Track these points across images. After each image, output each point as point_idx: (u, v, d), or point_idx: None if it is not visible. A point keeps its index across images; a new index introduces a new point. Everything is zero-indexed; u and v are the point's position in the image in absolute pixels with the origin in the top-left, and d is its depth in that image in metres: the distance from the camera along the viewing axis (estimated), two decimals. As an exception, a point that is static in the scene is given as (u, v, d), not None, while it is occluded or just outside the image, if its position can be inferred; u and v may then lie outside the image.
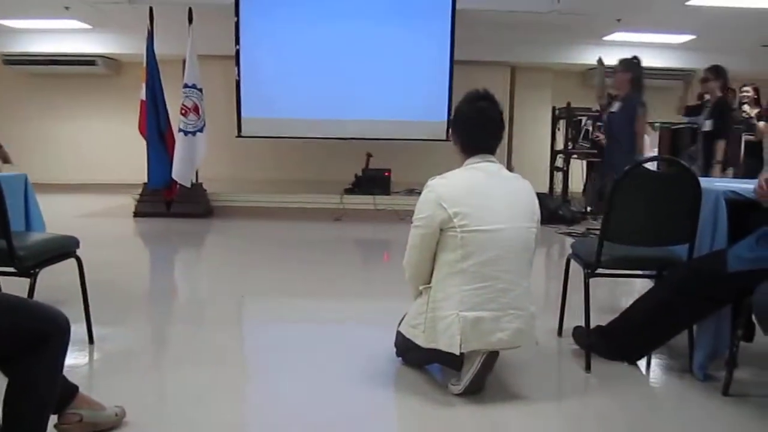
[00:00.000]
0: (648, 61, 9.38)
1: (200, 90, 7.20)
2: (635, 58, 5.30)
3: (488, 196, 2.44)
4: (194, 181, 7.41)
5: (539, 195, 7.48)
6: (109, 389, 2.41)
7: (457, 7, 7.62)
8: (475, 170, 2.50)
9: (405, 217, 7.22)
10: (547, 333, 3.29)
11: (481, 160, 2.51)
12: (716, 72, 5.63)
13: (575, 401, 2.61)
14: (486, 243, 2.38)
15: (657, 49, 9.44)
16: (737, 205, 2.65)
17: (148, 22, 7.16)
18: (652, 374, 2.87)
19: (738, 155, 6.33)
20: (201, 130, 7.06)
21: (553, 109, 8.48)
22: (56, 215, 5.60)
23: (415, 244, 2.50)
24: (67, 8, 7.76)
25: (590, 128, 7.93)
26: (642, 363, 2.89)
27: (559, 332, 3.26)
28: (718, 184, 2.86)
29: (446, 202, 2.37)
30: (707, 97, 6.05)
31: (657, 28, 8.45)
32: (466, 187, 2.43)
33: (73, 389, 1.98)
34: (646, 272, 3.10)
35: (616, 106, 5.44)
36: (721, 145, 5.52)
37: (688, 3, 6.93)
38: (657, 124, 6.76)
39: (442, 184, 2.43)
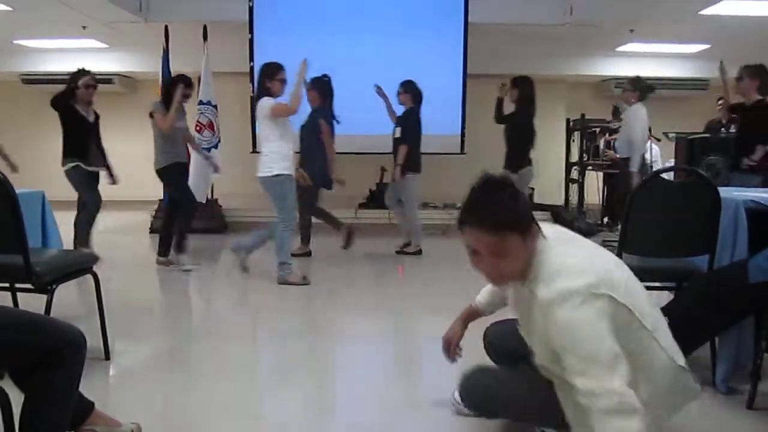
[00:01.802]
0: (662, 71, 9.42)
1: (215, 106, 7.26)
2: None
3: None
4: (209, 197, 7.46)
5: (555, 207, 7.49)
6: (125, 406, 2.41)
7: (470, 20, 7.64)
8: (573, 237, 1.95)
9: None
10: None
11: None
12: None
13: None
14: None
15: (671, 59, 9.40)
16: (758, 214, 2.61)
17: (163, 40, 7.25)
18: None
19: None
20: (216, 147, 7.12)
21: (568, 120, 8.46)
22: (73, 232, 5.64)
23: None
24: (84, 28, 7.88)
25: (600, 144, 7.87)
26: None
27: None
28: (737, 193, 2.82)
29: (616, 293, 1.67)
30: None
31: (670, 39, 8.41)
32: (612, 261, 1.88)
33: (89, 406, 1.98)
34: (666, 284, 3.05)
35: None
36: None
37: (701, 12, 6.90)
38: (672, 134, 6.71)
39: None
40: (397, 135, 5.92)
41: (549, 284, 1.60)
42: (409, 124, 5.87)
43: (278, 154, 4.63)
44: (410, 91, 5.89)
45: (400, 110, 5.97)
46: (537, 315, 1.66)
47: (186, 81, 5.35)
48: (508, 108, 5.92)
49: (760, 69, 5.14)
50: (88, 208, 5.40)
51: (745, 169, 5.00)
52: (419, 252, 5.97)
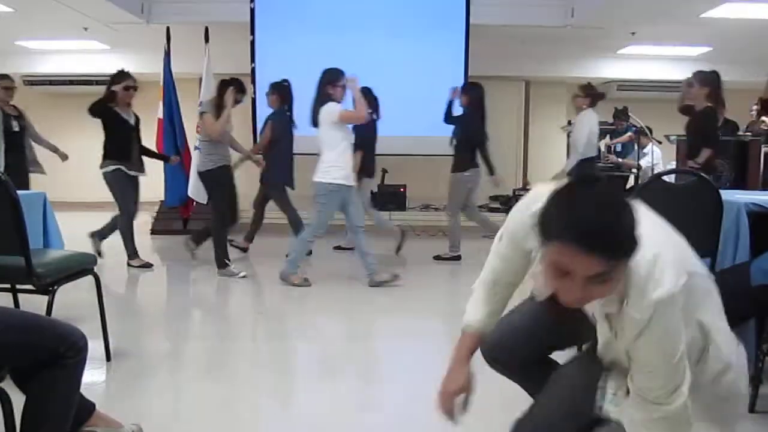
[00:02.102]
0: (664, 73, 9.42)
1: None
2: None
3: None
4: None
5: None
6: (126, 407, 2.41)
7: (471, 21, 7.64)
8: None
9: (420, 233, 7.22)
10: (568, 353, 3.24)
11: None
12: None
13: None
14: None
15: (672, 61, 9.39)
16: (759, 217, 2.61)
17: (165, 41, 7.26)
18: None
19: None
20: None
21: (568, 123, 8.45)
22: (75, 232, 5.64)
23: None
24: (85, 29, 7.89)
25: (601, 147, 7.85)
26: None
27: (579, 350, 3.20)
28: (739, 196, 2.82)
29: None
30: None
31: (672, 41, 8.41)
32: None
33: (90, 407, 1.97)
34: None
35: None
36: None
37: (702, 15, 6.90)
38: (673, 137, 6.70)
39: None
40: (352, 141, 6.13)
41: (642, 298, 1.38)
42: (364, 131, 6.02)
43: (338, 163, 4.64)
44: (366, 95, 5.91)
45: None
46: (627, 330, 1.43)
47: (238, 85, 5.25)
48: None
49: (712, 76, 5.29)
50: (125, 214, 5.31)
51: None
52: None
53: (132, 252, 5.32)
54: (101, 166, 5.29)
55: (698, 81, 5.25)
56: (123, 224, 5.31)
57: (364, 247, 4.75)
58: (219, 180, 5.18)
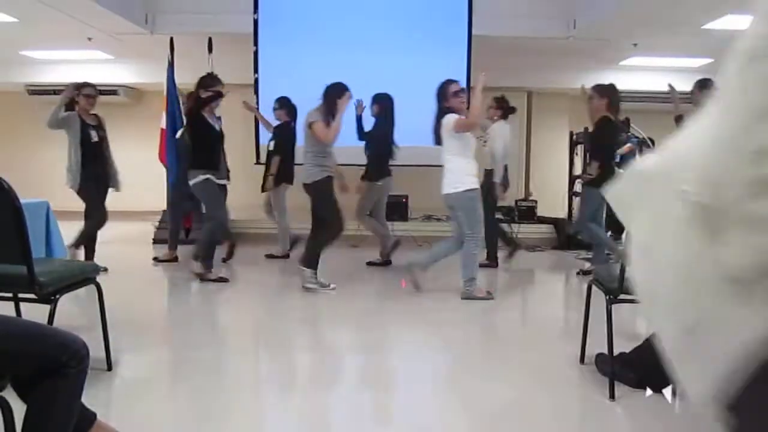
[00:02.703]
0: (665, 85, 9.42)
1: (219, 118, 7.28)
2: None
3: None
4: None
5: (558, 220, 7.51)
6: (127, 417, 2.40)
7: (474, 33, 7.67)
8: None
9: (423, 243, 7.22)
10: (570, 360, 3.24)
11: None
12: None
13: (599, 430, 2.55)
14: None
15: (674, 73, 9.40)
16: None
17: (168, 52, 7.29)
18: (677, 403, 2.80)
19: None
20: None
21: (571, 134, 8.47)
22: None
23: None
24: (89, 39, 7.93)
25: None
26: (667, 391, 2.83)
27: (582, 359, 3.20)
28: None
29: None
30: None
31: (674, 53, 8.44)
32: None
33: (91, 417, 1.97)
34: (670, 298, 3.03)
35: None
36: None
37: (704, 26, 6.92)
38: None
39: None
40: (271, 148, 6.48)
41: None
42: (283, 138, 6.36)
43: (464, 169, 4.63)
44: (285, 106, 6.39)
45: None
46: None
47: (344, 88, 5.02)
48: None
49: (609, 88, 5.51)
50: (216, 222, 5.23)
51: (587, 183, 5.48)
52: (287, 256, 6.45)
53: (208, 266, 5.17)
54: (189, 177, 5.15)
55: (597, 93, 5.46)
56: (209, 232, 5.20)
57: (470, 255, 4.68)
58: (327, 191, 5.01)
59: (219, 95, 5.22)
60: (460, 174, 4.62)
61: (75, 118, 5.35)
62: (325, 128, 4.82)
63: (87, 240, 5.41)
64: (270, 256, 6.49)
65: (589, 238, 5.72)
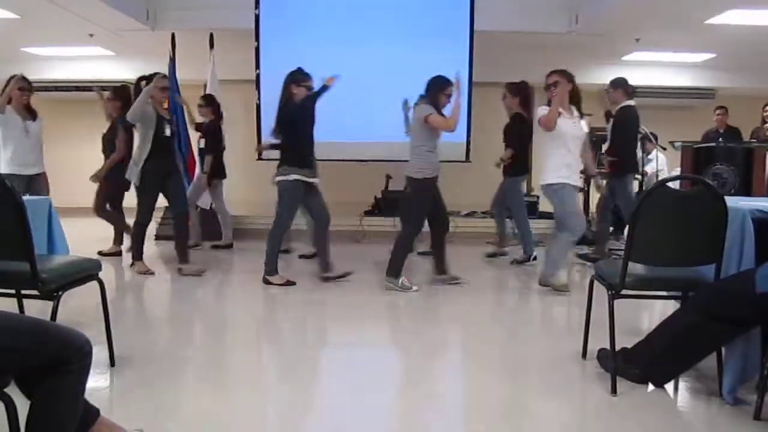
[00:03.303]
0: (668, 80, 9.42)
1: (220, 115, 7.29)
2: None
3: None
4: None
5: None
6: (130, 412, 2.41)
7: (476, 28, 7.65)
8: None
9: (423, 240, 7.22)
10: (572, 356, 3.24)
11: None
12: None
13: (601, 426, 2.55)
14: None
15: (677, 68, 9.40)
16: (765, 224, 2.60)
17: (170, 48, 7.29)
18: (680, 398, 2.81)
19: None
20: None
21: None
22: (79, 238, 5.63)
23: None
24: (91, 36, 7.92)
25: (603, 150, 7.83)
26: (669, 386, 2.83)
27: (584, 355, 3.20)
28: (744, 203, 2.82)
29: None
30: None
31: (676, 47, 8.41)
32: None
33: (94, 412, 1.98)
34: (672, 294, 3.04)
35: None
36: None
37: (707, 22, 6.89)
38: (678, 143, 6.70)
39: None
40: (201, 146, 6.71)
41: None
42: (213, 137, 6.62)
43: (553, 163, 4.64)
44: (211, 104, 6.67)
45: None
46: None
47: (446, 82, 4.90)
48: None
49: (522, 86, 6.16)
50: (320, 220, 5.12)
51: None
52: (231, 246, 6.87)
53: (274, 267, 5.01)
54: (280, 174, 4.95)
55: (510, 91, 6.12)
56: (274, 233, 5.05)
57: (556, 246, 4.76)
58: (427, 192, 4.89)
59: (310, 90, 5.03)
60: (547, 167, 4.74)
61: (152, 110, 5.23)
62: (443, 118, 4.79)
63: (140, 242, 5.40)
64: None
65: (497, 222, 6.43)
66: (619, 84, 6.07)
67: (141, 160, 5.23)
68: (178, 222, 5.49)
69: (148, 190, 5.30)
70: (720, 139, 7.07)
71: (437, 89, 4.85)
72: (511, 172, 6.25)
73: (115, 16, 6.97)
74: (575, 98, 4.66)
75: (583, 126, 4.65)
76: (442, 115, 4.82)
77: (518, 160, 6.27)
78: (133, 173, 5.27)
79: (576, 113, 4.63)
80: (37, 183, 5.46)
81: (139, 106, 5.13)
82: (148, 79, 5.31)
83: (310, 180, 5.02)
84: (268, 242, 5.00)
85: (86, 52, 8.95)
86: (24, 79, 5.40)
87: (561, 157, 4.66)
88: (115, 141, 6.21)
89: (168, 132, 5.33)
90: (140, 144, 5.28)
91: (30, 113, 5.49)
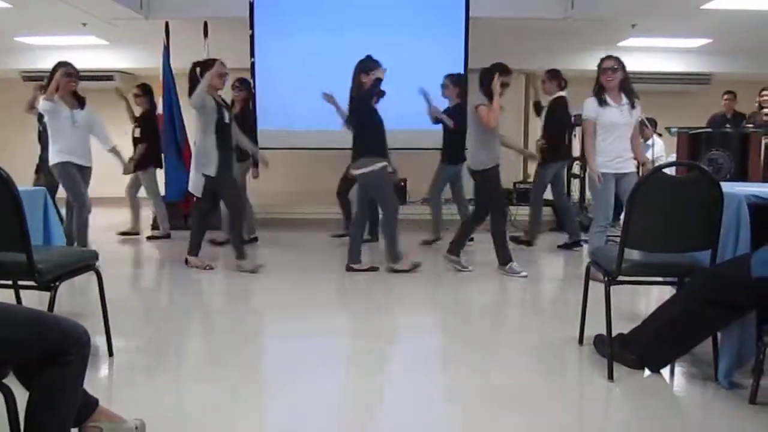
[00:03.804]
0: (665, 65, 9.40)
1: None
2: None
3: None
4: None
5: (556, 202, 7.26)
6: (129, 402, 2.42)
7: (471, 14, 7.62)
8: None
9: (422, 227, 7.22)
10: (568, 341, 3.26)
11: None
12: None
13: (598, 410, 2.57)
14: None
15: (673, 53, 9.37)
16: (760, 209, 2.61)
17: (164, 36, 7.24)
18: (676, 383, 2.83)
19: None
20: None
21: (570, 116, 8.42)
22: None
23: None
24: (84, 25, 7.86)
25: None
26: (665, 371, 2.85)
27: (580, 341, 3.22)
28: (739, 188, 2.82)
29: None
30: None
31: (672, 33, 8.38)
32: None
33: (93, 402, 1.98)
34: (668, 279, 3.05)
35: None
36: None
37: (703, 7, 6.87)
38: (674, 129, 6.71)
39: None
40: (137, 135, 6.76)
41: None
42: (148, 126, 6.74)
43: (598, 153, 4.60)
44: (147, 94, 6.83)
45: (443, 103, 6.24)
46: None
47: (503, 68, 4.87)
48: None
49: (462, 78, 6.30)
50: (392, 210, 5.01)
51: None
52: (168, 236, 6.77)
53: (396, 255, 5.02)
54: (364, 165, 4.92)
55: (452, 83, 6.15)
56: (388, 226, 5.03)
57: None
58: (495, 179, 4.92)
59: (379, 81, 5.00)
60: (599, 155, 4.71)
61: (211, 98, 4.98)
62: (486, 113, 4.77)
63: (239, 238, 5.24)
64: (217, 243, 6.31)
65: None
66: (555, 75, 6.31)
67: (210, 150, 4.97)
68: (233, 212, 5.21)
69: (228, 180, 5.08)
70: (727, 125, 7.05)
71: (488, 80, 4.85)
72: (547, 158, 6.25)
73: (109, 5, 6.91)
74: (625, 85, 4.58)
75: (633, 113, 4.59)
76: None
77: (557, 146, 6.28)
78: (207, 165, 5.00)
79: (625, 100, 4.55)
80: (84, 176, 5.21)
81: (201, 94, 4.88)
82: (203, 65, 5.10)
83: (390, 168, 5.02)
84: (385, 234, 5.05)
85: (80, 41, 8.88)
86: (70, 65, 5.13)
87: (601, 146, 4.60)
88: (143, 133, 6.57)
89: (227, 119, 5.09)
90: (202, 134, 5.01)
91: (78, 101, 5.21)
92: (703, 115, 8.02)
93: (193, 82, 5.05)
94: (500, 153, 4.98)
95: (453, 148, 6.17)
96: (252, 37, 7.73)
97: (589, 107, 4.58)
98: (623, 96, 4.56)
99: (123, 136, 6.65)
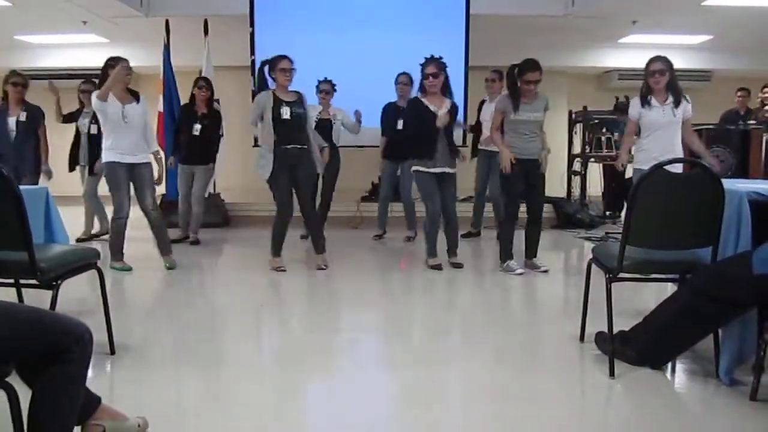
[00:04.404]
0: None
1: (217, 101, 7.25)
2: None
3: None
4: (212, 191, 7.46)
5: (557, 199, 7.57)
6: (131, 400, 2.42)
7: (471, 12, 7.62)
8: None
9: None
10: (569, 339, 3.26)
11: None
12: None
13: (599, 408, 2.57)
14: None
15: (674, 50, 9.34)
16: (761, 206, 2.61)
17: (164, 34, 7.25)
18: (676, 380, 2.83)
19: None
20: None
21: (570, 113, 8.43)
22: (76, 227, 5.65)
23: None
24: (84, 23, 7.87)
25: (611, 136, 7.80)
26: (666, 368, 2.85)
27: (581, 338, 3.22)
28: (741, 185, 2.82)
29: None
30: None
31: (673, 30, 8.38)
32: None
33: (95, 400, 1.98)
34: (669, 276, 3.05)
35: None
36: None
37: (703, 3, 6.87)
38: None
39: None
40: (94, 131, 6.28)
41: None
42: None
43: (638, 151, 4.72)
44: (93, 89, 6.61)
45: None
46: None
47: (528, 66, 4.81)
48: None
49: (407, 77, 6.19)
50: (430, 212, 5.00)
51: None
52: (95, 236, 6.45)
53: (433, 252, 5.02)
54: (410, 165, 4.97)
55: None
56: (428, 225, 5.04)
57: None
58: (508, 174, 4.85)
59: (427, 77, 5.03)
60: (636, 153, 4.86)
61: (269, 94, 4.90)
62: (494, 120, 4.98)
63: (279, 239, 5.06)
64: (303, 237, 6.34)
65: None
66: (502, 77, 6.24)
67: (268, 149, 4.86)
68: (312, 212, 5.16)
69: (278, 181, 4.91)
70: (740, 122, 7.04)
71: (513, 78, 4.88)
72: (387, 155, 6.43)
73: (109, 4, 6.93)
74: (672, 85, 4.61)
75: (677, 111, 4.59)
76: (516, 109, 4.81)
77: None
78: (260, 165, 4.92)
79: (671, 99, 4.57)
80: (138, 173, 4.97)
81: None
82: (271, 62, 5.03)
83: (434, 170, 4.94)
84: (425, 231, 5.12)
85: (80, 39, 8.90)
86: (124, 59, 4.94)
87: (641, 145, 4.69)
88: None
89: (287, 114, 4.85)
90: (261, 132, 4.97)
91: (133, 95, 4.97)
92: (704, 111, 7.99)
93: (262, 80, 5.07)
94: (524, 149, 4.84)
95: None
96: (252, 34, 7.74)
97: (634, 107, 4.70)
98: (670, 95, 4.60)
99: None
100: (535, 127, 4.84)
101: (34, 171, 5.83)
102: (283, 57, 4.98)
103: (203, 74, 7.30)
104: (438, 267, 4.98)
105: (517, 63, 4.89)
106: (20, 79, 5.80)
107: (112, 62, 4.79)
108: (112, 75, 4.70)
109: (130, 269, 4.99)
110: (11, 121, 5.73)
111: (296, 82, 5.04)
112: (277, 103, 4.86)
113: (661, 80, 4.56)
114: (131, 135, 4.90)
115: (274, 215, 5.00)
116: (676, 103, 4.59)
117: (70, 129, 6.49)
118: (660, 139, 4.61)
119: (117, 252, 5.05)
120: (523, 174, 4.79)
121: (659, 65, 4.59)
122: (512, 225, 4.97)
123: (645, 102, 4.62)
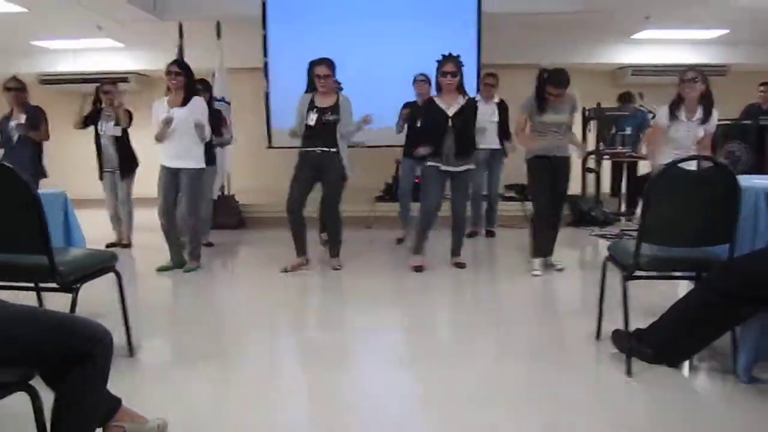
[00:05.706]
0: (679, 57, 9.31)
1: (228, 103, 7.30)
2: None
3: None
4: (226, 192, 7.50)
5: (571, 196, 7.50)
6: (150, 402, 2.44)
7: (484, 10, 7.60)
8: None
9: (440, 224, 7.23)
10: (586, 337, 3.25)
11: None
12: None
13: (618, 407, 2.56)
14: None
15: (689, 44, 9.28)
16: (778, 202, 2.59)
17: (178, 38, 7.29)
18: (694, 377, 2.81)
19: None
20: (229, 143, 7.14)
21: (584, 109, 8.38)
22: (93, 230, 5.67)
23: None
24: (99, 28, 7.94)
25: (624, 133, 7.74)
26: (684, 366, 2.84)
27: (598, 336, 3.21)
28: (757, 181, 2.80)
29: None
30: None
31: (687, 24, 8.30)
32: None
33: (116, 402, 2.01)
34: (686, 274, 3.04)
35: None
36: None
37: (718, -4, 6.80)
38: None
39: None
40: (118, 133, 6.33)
41: None
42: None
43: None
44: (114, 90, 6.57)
45: None
46: None
47: (557, 80, 4.88)
48: None
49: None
50: (424, 208, 4.99)
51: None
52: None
53: (419, 249, 5.06)
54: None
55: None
56: (420, 216, 5.06)
57: None
58: (530, 170, 4.96)
59: (443, 75, 5.13)
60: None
61: (307, 97, 4.98)
62: (518, 122, 5.02)
63: (293, 236, 5.16)
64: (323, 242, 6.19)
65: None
66: (497, 79, 6.54)
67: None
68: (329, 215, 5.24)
69: (294, 175, 5.10)
70: (762, 116, 6.95)
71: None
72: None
73: (123, 8, 6.98)
74: (705, 99, 4.50)
75: (702, 128, 4.52)
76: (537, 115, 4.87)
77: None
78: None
79: (699, 114, 4.49)
80: (184, 179, 4.99)
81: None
82: (310, 66, 5.06)
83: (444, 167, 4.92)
84: (415, 227, 5.17)
85: (96, 44, 8.98)
86: (174, 61, 5.06)
87: (662, 149, 4.63)
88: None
89: (312, 121, 4.92)
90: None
91: (184, 99, 4.95)
92: (721, 107, 7.88)
93: (311, 80, 5.05)
94: (546, 144, 4.84)
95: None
96: (265, 37, 7.77)
97: (662, 116, 4.63)
98: (699, 110, 4.51)
99: (139, 141, 6.63)
100: (559, 128, 4.83)
101: (34, 173, 5.86)
102: (321, 62, 4.95)
103: (216, 77, 7.34)
104: (419, 269, 4.96)
105: (548, 68, 4.91)
106: (15, 84, 5.91)
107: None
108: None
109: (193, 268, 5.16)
110: (12, 125, 5.86)
111: (306, 84, 5.08)
112: (310, 107, 4.94)
113: (694, 88, 4.44)
114: (173, 139, 4.93)
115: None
116: (705, 119, 4.50)
117: (90, 136, 6.48)
118: (677, 150, 4.52)
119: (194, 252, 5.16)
120: (549, 170, 4.80)
121: (692, 74, 4.50)
122: (541, 221, 4.91)
123: (672, 115, 4.53)
